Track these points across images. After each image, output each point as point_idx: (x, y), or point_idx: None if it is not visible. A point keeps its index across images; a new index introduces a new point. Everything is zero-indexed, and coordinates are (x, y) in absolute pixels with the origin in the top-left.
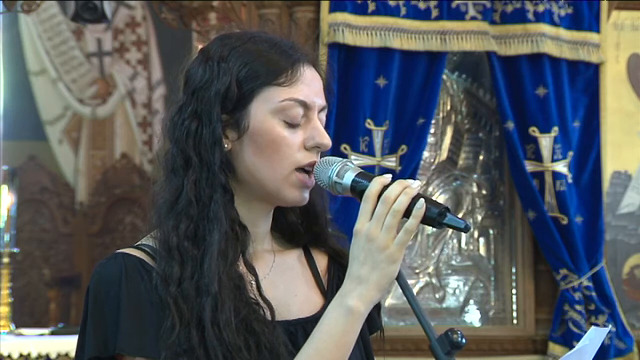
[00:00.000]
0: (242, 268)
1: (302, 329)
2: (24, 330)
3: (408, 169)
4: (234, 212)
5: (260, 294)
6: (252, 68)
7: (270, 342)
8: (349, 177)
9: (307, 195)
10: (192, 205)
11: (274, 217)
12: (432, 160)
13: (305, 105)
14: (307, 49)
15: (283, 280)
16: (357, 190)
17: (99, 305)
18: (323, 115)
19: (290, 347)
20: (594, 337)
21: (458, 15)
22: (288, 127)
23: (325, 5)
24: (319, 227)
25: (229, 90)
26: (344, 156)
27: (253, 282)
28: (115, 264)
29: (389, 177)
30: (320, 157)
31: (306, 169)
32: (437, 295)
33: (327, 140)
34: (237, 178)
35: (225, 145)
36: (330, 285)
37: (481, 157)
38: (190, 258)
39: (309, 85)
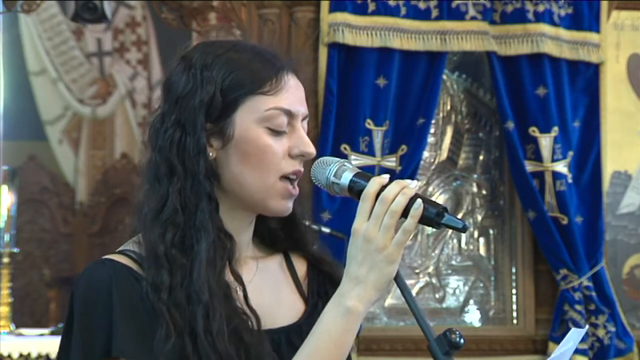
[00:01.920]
0: (229, 276)
1: (286, 337)
2: (24, 330)
3: (408, 169)
4: (219, 221)
5: (247, 303)
6: (237, 77)
7: (259, 352)
8: (346, 177)
9: (290, 205)
10: (178, 213)
11: (255, 223)
12: (432, 160)
13: (290, 114)
14: (288, 57)
15: (267, 287)
16: (355, 191)
17: (88, 310)
18: (305, 124)
19: (275, 358)
20: (576, 338)
21: (458, 15)
22: (273, 136)
23: (325, 5)
24: (299, 233)
25: (213, 99)
26: (344, 156)
27: (239, 291)
28: (103, 270)
29: (386, 177)
30: (316, 159)
31: (290, 177)
32: (437, 295)
33: (311, 149)
34: (221, 186)
35: (210, 154)
36: (310, 291)
37: (481, 157)
38: (179, 266)
39: (293, 94)
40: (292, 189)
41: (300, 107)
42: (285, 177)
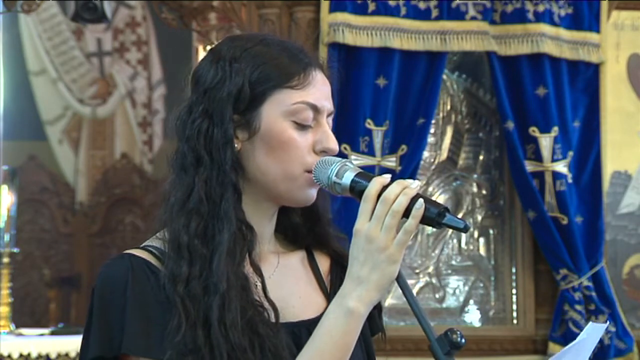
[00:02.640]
0: (248, 269)
1: (307, 330)
2: (24, 330)
3: (408, 169)
4: (241, 212)
5: (266, 296)
6: (265, 70)
7: (274, 345)
8: (348, 177)
9: (314, 193)
10: (202, 203)
11: (277, 218)
12: (432, 160)
13: (315, 109)
14: (316, 54)
15: (287, 282)
16: (357, 191)
17: (105, 305)
18: (330, 120)
19: (293, 350)
20: (592, 332)
21: (458, 15)
22: (298, 129)
23: (325, 5)
24: (321, 228)
25: (241, 91)
26: (344, 156)
27: (258, 284)
28: (121, 264)
29: (388, 177)
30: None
31: None
32: (437, 295)
33: (335, 145)
34: (246, 178)
35: (236, 145)
36: (332, 287)
37: (481, 157)
38: (199, 257)
39: (320, 90)
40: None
41: (326, 103)
42: (311, 171)
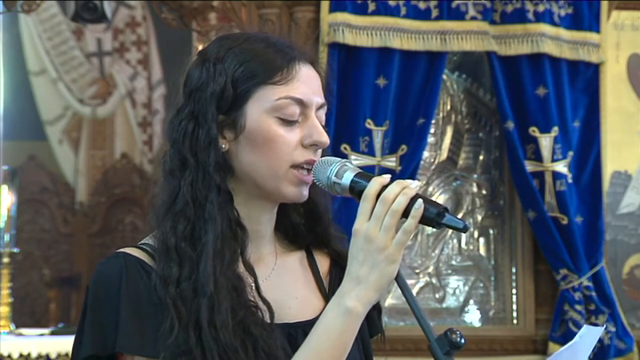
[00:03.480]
0: (242, 269)
1: (303, 331)
2: (24, 330)
3: (408, 169)
4: (232, 213)
5: (260, 296)
6: (248, 68)
7: (268, 345)
8: (347, 177)
9: (306, 192)
10: (188, 206)
11: (277, 218)
12: (432, 160)
13: (301, 103)
14: (305, 48)
15: (284, 283)
16: (356, 191)
17: (98, 303)
18: (322, 113)
19: (288, 350)
20: (586, 334)
21: (458, 15)
22: (284, 125)
23: (325, 5)
24: (322, 227)
25: (224, 90)
26: (344, 156)
27: (252, 284)
28: (115, 263)
29: (387, 177)
30: (320, 157)
31: (304, 166)
32: (437, 295)
33: (324, 138)
34: (236, 178)
35: (223, 146)
36: (331, 288)
37: (481, 157)
38: (188, 259)
39: (306, 83)
40: (303, 175)
41: (314, 97)
42: (297, 166)
